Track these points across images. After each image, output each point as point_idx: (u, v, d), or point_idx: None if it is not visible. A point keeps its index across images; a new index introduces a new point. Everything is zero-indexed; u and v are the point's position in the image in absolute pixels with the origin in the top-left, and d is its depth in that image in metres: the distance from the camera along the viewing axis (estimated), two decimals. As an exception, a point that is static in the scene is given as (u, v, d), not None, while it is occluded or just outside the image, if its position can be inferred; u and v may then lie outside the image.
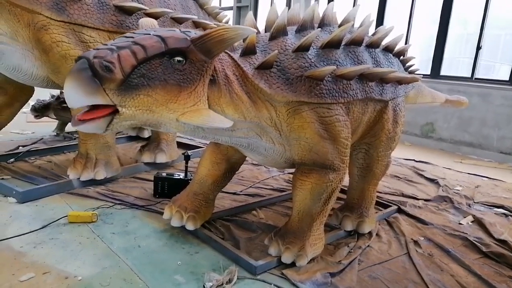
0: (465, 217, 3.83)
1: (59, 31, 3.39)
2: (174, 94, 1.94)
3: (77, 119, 1.86)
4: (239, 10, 11.75)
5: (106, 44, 1.94)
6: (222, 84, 2.19)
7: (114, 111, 1.89)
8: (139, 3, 3.78)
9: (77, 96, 1.78)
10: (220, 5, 12.42)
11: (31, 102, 5.23)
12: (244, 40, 2.47)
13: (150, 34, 1.98)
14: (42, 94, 5.71)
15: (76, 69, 1.79)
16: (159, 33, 1.99)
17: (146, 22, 2.38)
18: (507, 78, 6.48)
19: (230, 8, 11.80)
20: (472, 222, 3.74)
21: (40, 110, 5.64)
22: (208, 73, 2.07)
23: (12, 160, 4.46)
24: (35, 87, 4.31)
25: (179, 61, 1.95)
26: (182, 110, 1.97)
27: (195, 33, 2.06)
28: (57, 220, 3.14)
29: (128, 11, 3.69)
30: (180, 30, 2.10)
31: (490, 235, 3.44)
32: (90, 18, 3.50)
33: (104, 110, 1.87)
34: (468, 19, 7.50)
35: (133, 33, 2.05)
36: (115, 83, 1.81)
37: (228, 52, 2.37)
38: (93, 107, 1.87)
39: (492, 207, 4.16)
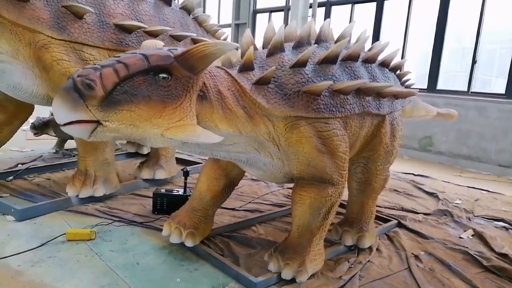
0: (465, 231, 3.81)
1: (59, 50, 3.43)
2: (158, 109, 1.98)
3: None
4: (238, 28, 11.92)
5: (95, 64, 2.02)
6: (214, 100, 2.22)
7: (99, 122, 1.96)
8: (138, 21, 3.84)
9: (62, 113, 1.88)
10: (218, 22, 12.59)
11: (31, 119, 5.25)
12: (242, 57, 2.52)
13: (135, 53, 2.05)
14: (42, 112, 5.74)
15: (62, 88, 1.89)
16: (144, 52, 2.06)
17: (149, 43, 2.41)
18: (503, 92, 6.54)
19: (229, 26, 11.97)
20: (472, 235, 3.73)
21: (40, 128, 5.66)
22: (194, 88, 2.10)
23: (11, 178, 4.45)
24: (35, 105, 4.34)
25: (163, 77, 2.00)
26: (166, 125, 2.00)
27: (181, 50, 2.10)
28: (55, 238, 3.12)
29: (127, 30, 3.75)
30: (168, 48, 2.13)
31: (491, 249, 3.42)
32: (90, 36, 3.56)
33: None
34: (463, 33, 7.61)
35: (125, 53, 2.12)
36: (96, 100, 1.88)
37: (225, 68, 2.41)
38: None
39: (492, 221, 4.15)
